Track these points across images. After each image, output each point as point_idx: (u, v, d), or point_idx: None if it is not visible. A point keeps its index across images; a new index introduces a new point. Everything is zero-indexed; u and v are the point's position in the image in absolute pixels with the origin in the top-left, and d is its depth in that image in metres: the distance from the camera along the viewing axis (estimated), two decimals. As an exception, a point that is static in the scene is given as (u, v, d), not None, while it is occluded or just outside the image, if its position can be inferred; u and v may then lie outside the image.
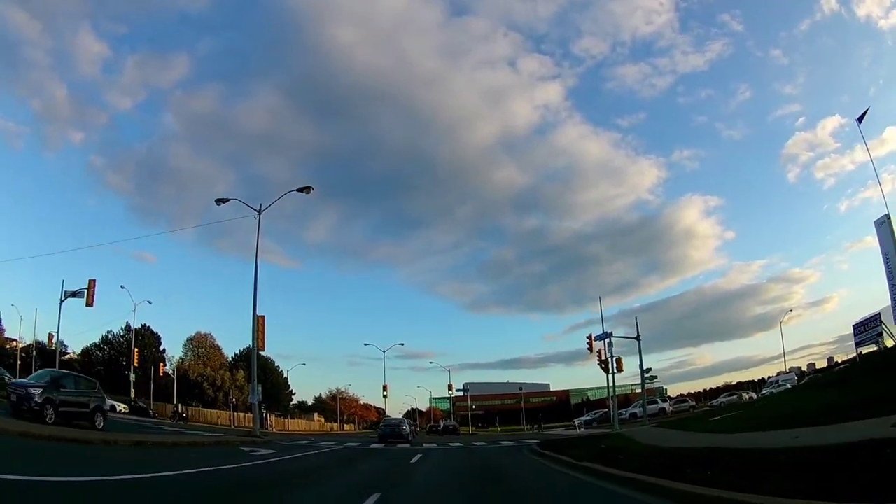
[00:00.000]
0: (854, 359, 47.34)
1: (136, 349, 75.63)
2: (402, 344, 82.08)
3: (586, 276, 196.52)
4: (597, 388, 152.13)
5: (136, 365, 72.91)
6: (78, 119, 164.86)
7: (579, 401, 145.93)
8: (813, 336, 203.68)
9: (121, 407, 56.32)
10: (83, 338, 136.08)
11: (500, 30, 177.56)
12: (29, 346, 78.08)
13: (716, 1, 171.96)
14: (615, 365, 44.60)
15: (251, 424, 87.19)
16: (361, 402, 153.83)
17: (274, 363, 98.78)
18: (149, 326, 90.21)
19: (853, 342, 49.72)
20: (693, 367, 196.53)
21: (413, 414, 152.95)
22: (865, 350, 46.62)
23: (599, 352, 55.39)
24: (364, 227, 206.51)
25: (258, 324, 36.23)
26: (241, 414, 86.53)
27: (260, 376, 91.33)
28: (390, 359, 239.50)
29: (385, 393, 78.25)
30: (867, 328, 47.48)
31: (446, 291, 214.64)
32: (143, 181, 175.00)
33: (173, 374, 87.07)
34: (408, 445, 34.68)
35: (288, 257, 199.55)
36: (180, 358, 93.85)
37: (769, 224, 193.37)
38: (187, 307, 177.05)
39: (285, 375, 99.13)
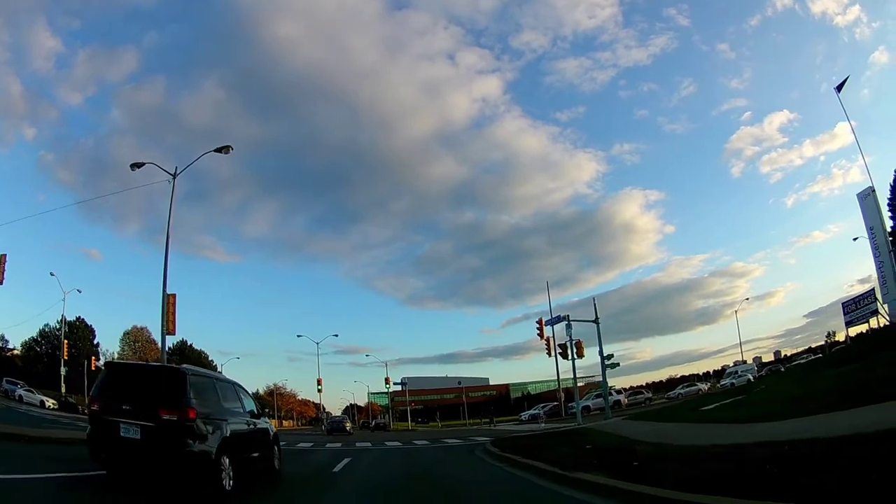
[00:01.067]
0: (846, 339, 43.24)
1: (66, 342, 67.79)
2: (337, 335, 75.55)
3: (523, 271, 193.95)
4: (537, 382, 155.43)
5: (66, 358, 64.56)
6: (31, 114, 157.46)
7: (519, 395, 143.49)
8: (759, 329, 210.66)
9: (49, 402, 50.65)
10: (21, 331, 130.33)
11: (441, 23, 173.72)
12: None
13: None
14: (574, 350, 38.75)
15: None
16: (300, 398, 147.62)
17: (208, 357, 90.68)
18: (83, 319, 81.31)
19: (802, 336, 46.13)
20: (634, 361, 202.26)
21: (351, 409, 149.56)
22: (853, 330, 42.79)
23: (548, 340, 51.76)
24: (303, 221, 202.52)
25: (168, 304, 29.15)
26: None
27: None
28: (328, 354, 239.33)
29: (320, 387, 71.11)
30: (859, 305, 43.66)
31: (384, 286, 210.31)
32: (90, 176, 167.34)
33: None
34: (338, 445, 28.28)
35: (227, 252, 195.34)
36: (117, 352, 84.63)
37: (712, 219, 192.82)
38: (129, 303, 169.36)
39: (219, 370, 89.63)
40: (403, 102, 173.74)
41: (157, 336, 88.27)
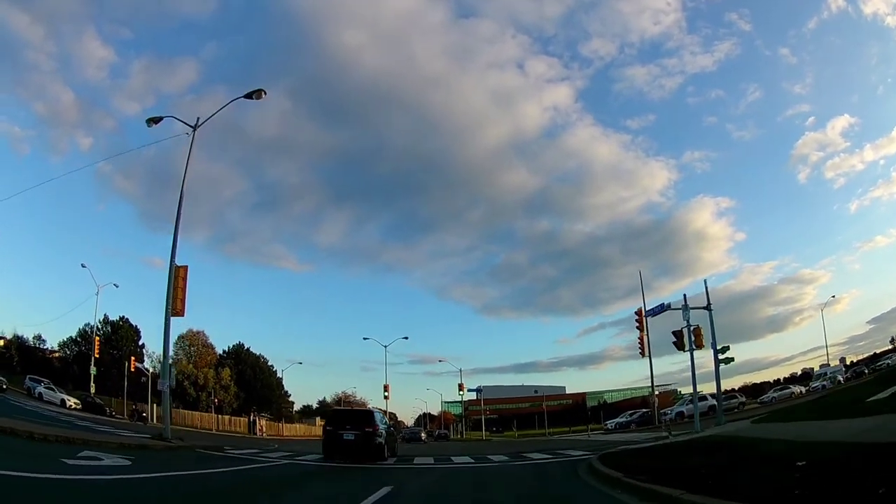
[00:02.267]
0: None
1: (97, 338, 63.69)
2: (407, 338, 69.36)
3: (598, 279, 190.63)
4: (614, 391, 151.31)
5: (97, 356, 60.41)
6: (85, 123, 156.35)
7: (596, 404, 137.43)
8: (822, 338, 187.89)
9: (71, 402, 48.03)
10: (60, 330, 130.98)
11: (508, 31, 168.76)
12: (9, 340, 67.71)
13: (723, 0, 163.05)
14: (692, 338, 30.81)
15: (240, 429, 75.16)
16: (369, 408, 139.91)
17: (267, 361, 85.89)
18: (127, 319, 77.36)
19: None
20: (705, 370, 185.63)
21: (424, 419, 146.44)
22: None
23: (641, 339, 46.95)
24: (375, 230, 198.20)
25: (176, 277, 23.39)
26: (228, 417, 73.67)
27: (249, 375, 79.39)
28: (402, 364, 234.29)
29: (386, 394, 64.79)
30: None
31: (459, 295, 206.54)
32: (151, 186, 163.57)
33: (152, 371, 75.14)
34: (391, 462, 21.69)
35: (299, 262, 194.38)
36: (172, 356, 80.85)
37: (780, 225, 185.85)
38: (193, 311, 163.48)
39: (279, 375, 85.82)
40: (474, 111, 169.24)
41: (213, 340, 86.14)
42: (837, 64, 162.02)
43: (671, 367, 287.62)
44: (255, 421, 73.85)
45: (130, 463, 13.74)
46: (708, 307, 31.73)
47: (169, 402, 26.12)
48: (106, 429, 29.89)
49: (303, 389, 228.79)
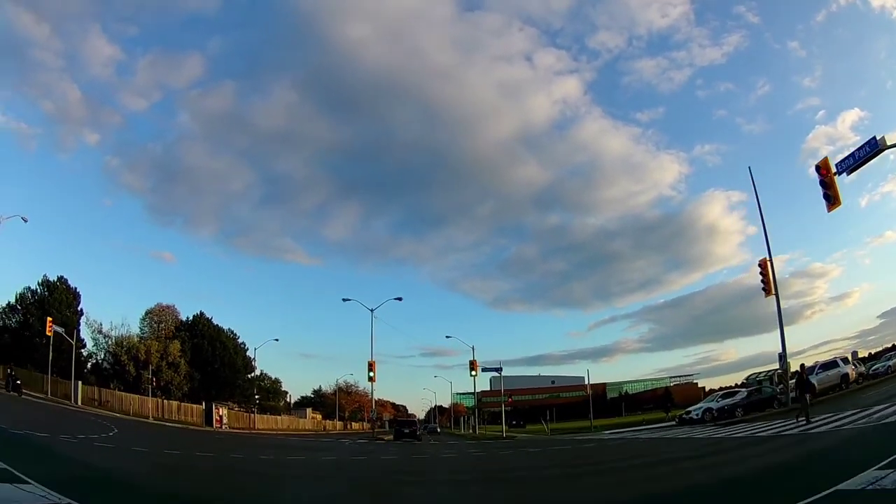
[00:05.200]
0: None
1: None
2: (400, 299, 50.68)
3: (610, 273, 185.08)
4: (634, 382, 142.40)
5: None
6: (92, 120, 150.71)
7: (616, 395, 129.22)
8: (833, 331, 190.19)
9: None
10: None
11: (515, 24, 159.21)
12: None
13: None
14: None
15: (193, 418, 55.54)
16: (375, 398, 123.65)
17: (236, 337, 65.88)
18: (65, 280, 58.41)
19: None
20: (718, 363, 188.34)
21: (434, 412, 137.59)
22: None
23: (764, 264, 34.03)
24: (385, 223, 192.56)
25: None
26: (177, 403, 54.61)
27: (207, 351, 58.83)
28: (414, 356, 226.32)
29: (371, 373, 45.86)
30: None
31: (469, 289, 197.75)
32: (159, 181, 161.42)
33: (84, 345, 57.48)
34: None
35: (308, 255, 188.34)
36: (137, 332, 61.60)
37: (791, 219, 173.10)
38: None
39: (251, 355, 65.81)
40: (483, 104, 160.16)
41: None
42: (846, 57, 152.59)
43: (683, 360, 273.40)
44: (211, 409, 54.95)
45: None
46: None
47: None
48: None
49: (310, 382, 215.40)
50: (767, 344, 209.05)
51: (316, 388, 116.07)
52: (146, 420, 45.61)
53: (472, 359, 49.83)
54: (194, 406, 55.68)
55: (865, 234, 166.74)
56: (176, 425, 46.79)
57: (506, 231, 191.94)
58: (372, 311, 49.13)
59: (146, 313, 65.26)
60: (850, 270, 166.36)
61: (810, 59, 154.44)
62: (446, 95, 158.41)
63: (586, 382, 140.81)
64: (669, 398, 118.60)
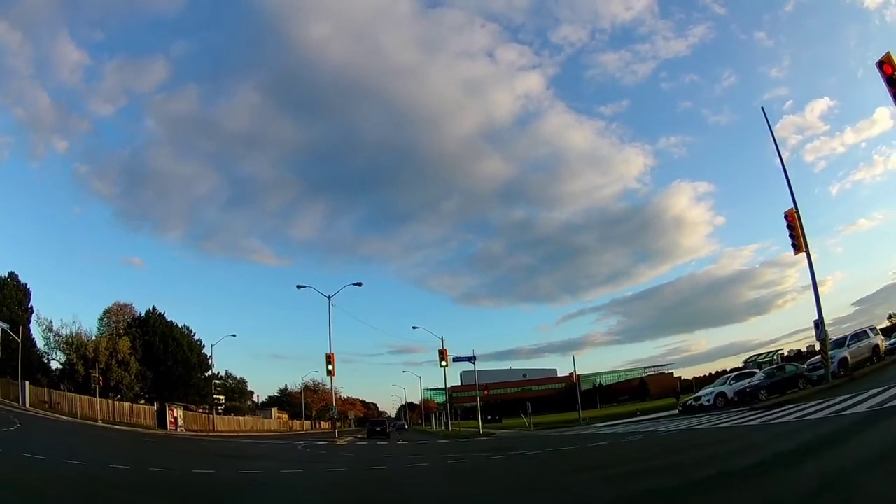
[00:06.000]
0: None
1: None
2: (360, 284, 46.78)
3: (577, 267, 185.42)
4: (606, 373, 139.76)
5: None
6: (61, 127, 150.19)
7: (591, 386, 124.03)
8: (807, 320, 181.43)
9: None
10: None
11: (477, 21, 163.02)
12: None
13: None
14: None
15: (145, 420, 50.19)
16: (342, 396, 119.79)
17: (191, 334, 60.76)
18: (16, 276, 53.34)
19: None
20: (689, 354, 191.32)
21: (404, 409, 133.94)
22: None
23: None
24: (351, 222, 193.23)
25: None
26: (129, 404, 49.87)
27: (159, 349, 52.94)
28: (383, 354, 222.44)
29: (330, 366, 41.51)
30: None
31: (437, 285, 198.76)
32: (127, 186, 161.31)
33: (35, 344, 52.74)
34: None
35: (276, 256, 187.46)
36: (95, 332, 56.03)
37: (760, 208, 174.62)
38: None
39: (207, 352, 61.30)
40: (446, 101, 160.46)
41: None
42: (815, 46, 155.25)
43: (654, 351, 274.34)
44: (164, 410, 50.37)
45: None
46: None
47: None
48: None
49: (281, 383, 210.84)
50: (738, 333, 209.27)
51: (282, 387, 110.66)
52: (94, 423, 41.31)
53: (441, 348, 46.07)
54: (147, 407, 50.98)
55: (837, 223, 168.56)
56: (124, 428, 42.60)
57: (472, 226, 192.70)
58: (329, 297, 44.96)
59: (104, 313, 60.55)
60: (822, 259, 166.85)
61: (778, 49, 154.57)
62: (410, 93, 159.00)
63: (568, 373, 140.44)
64: (645, 389, 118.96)
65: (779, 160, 27.73)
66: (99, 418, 43.60)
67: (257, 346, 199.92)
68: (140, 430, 43.75)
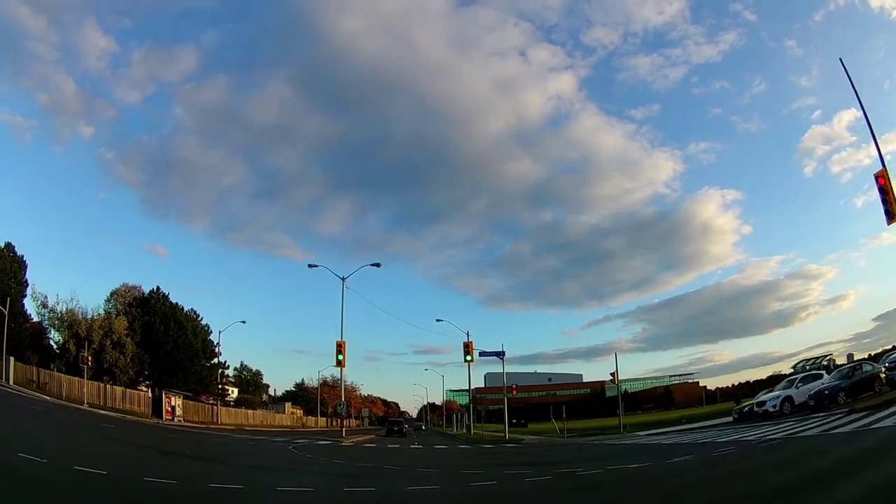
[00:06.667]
0: None
1: None
2: (379, 265, 41.22)
3: (604, 272, 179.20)
4: (632, 381, 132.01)
5: None
6: (86, 112, 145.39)
7: (615, 393, 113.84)
8: (829, 334, 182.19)
9: None
10: None
11: (510, 20, 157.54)
12: None
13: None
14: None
15: (139, 407, 44.57)
16: (361, 394, 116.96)
17: (198, 317, 55.30)
18: (12, 246, 48.25)
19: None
20: (712, 364, 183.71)
21: (425, 410, 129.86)
22: None
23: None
24: (379, 219, 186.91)
25: None
26: (122, 389, 45.20)
27: (159, 331, 46.42)
28: (407, 354, 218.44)
29: (340, 356, 36.07)
30: None
31: (463, 286, 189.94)
32: (153, 174, 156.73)
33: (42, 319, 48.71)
34: None
35: (302, 251, 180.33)
36: (102, 311, 51.37)
37: (786, 219, 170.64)
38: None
39: (213, 338, 56.40)
40: (477, 99, 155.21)
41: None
42: (844, 57, 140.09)
43: (677, 360, 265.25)
44: (161, 398, 45.68)
45: None
46: None
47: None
48: None
49: (297, 378, 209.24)
50: (761, 345, 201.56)
51: (298, 381, 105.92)
52: (78, 407, 36.85)
53: (466, 341, 40.48)
54: (141, 393, 46.32)
55: (861, 235, 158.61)
56: (110, 414, 37.98)
57: (499, 228, 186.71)
58: (343, 279, 39.50)
59: (111, 294, 55.51)
60: (845, 272, 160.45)
61: (807, 58, 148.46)
62: (441, 90, 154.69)
63: (584, 381, 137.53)
64: (670, 397, 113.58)
65: (861, 112, 21.67)
66: (85, 402, 39.14)
67: (280, 341, 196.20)
68: (129, 417, 39.11)
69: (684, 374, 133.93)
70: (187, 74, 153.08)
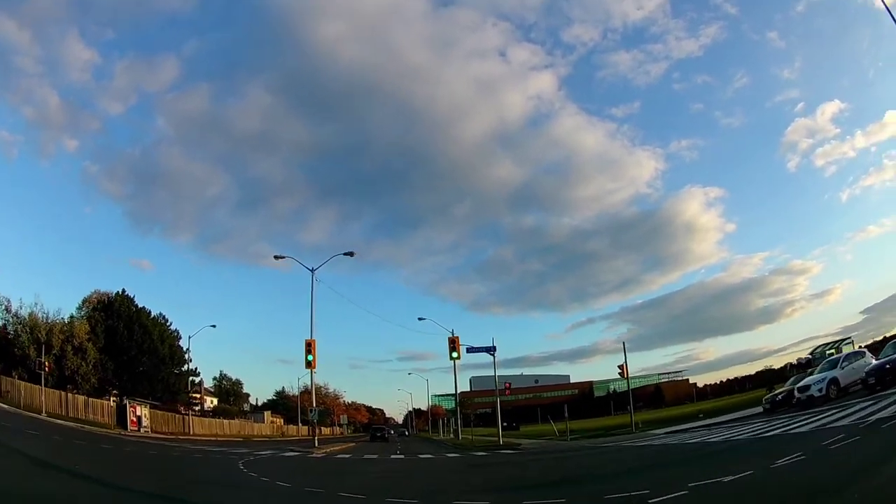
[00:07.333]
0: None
1: None
2: (352, 254, 38.94)
3: (587, 274, 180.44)
4: (620, 380, 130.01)
5: None
6: (71, 126, 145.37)
7: (604, 393, 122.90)
8: (816, 328, 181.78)
9: None
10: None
11: (489, 20, 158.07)
12: None
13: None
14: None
15: (104, 418, 40.20)
16: (344, 401, 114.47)
17: (166, 322, 51.97)
18: None
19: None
20: (698, 362, 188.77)
21: (410, 416, 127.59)
22: None
23: None
24: (361, 226, 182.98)
25: None
26: (84, 398, 41.46)
27: (123, 336, 42.19)
28: (392, 361, 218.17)
29: (310, 356, 32.62)
30: None
31: (447, 292, 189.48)
32: (137, 186, 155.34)
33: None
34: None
35: (285, 261, 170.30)
36: (74, 317, 47.66)
37: (770, 215, 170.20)
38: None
39: (182, 344, 53.04)
40: (458, 101, 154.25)
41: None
42: (827, 47, 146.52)
43: (663, 359, 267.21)
44: (125, 407, 41.99)
45: None
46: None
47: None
48: None
49: (280, 387, 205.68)
50: (747, 342, 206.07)
51: (279, 389, 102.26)
52: (36, 416, 33.59)
53: (451, 336, 37.30)
54: (104, 402, 42.60)
55: (846, 230, 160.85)
56: (70, 424, 34.72)
57: (482, 232, 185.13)
58: (312, 270, 36.42)
59: (83, 301, 51.87)
60: (830, 267, 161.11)
61: (790, 50, 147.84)
62: (422, 93, 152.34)
63: (571, 381, 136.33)
64: (660, 396, 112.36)
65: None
66: (44, 411, 35.73)
67: (264, 351, 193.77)
68: (87, 427, 35.55)
69: (673, 373, 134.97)
70: (169, 84, 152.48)
